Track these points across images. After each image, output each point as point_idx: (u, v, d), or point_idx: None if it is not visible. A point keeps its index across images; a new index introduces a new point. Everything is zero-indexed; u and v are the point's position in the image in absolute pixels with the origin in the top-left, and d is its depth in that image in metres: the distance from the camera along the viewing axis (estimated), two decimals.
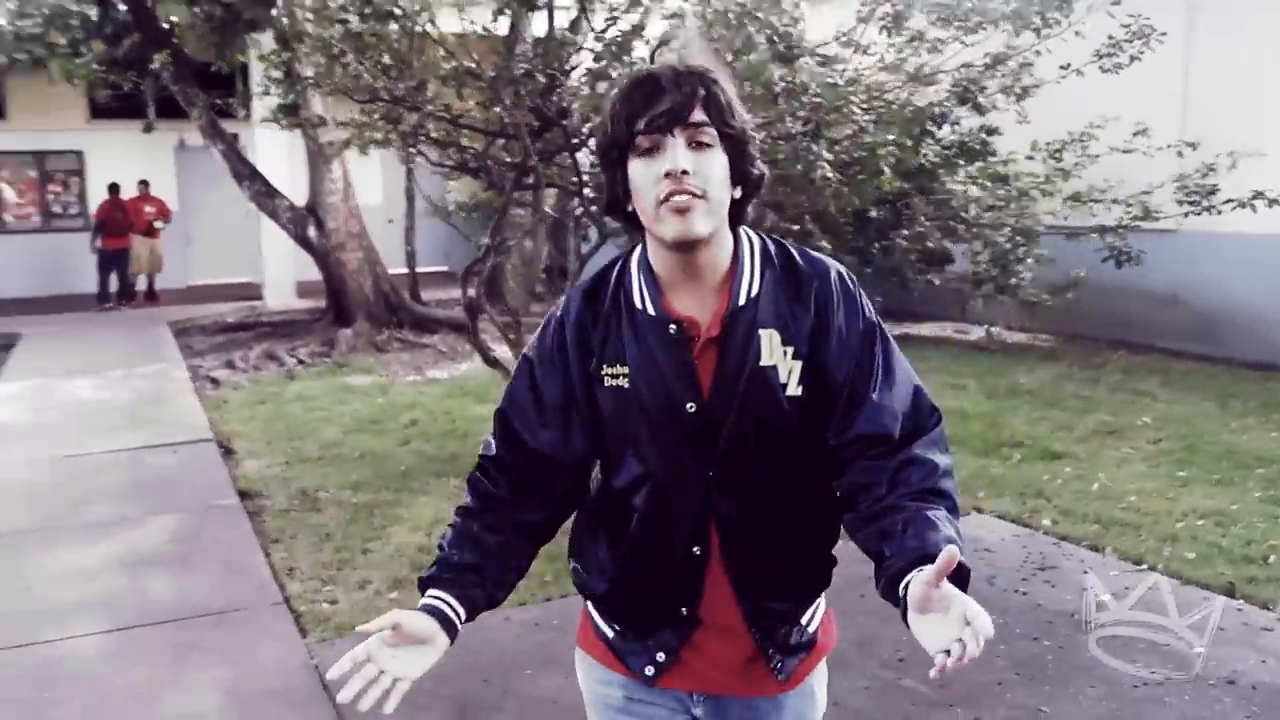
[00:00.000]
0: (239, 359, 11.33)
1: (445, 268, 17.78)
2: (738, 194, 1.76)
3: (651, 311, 1.78)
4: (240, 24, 10.40)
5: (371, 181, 16.00)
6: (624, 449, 1.83)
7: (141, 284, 17.25)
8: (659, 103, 1.68)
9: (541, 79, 5.59)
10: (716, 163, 1.70)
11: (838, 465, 1.77)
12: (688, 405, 1.77)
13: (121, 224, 16.64)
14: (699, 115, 1.69)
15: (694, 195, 1.67)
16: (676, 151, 1.67)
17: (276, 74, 6.90)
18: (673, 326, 1.77)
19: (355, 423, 8.32)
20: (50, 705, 3.99)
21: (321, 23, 5.96)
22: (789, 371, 1.75)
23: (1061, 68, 6.36)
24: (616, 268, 1.85)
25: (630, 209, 1.76)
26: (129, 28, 12.70)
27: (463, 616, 1.76)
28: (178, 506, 6.35)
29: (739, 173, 1.74)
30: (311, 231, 12.87)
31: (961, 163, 7.85)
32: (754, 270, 1.79)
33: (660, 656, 1.88)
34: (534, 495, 1.87)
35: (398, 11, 5.73)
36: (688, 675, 1.90)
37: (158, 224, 17.11)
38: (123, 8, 12.19)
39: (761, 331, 1.76)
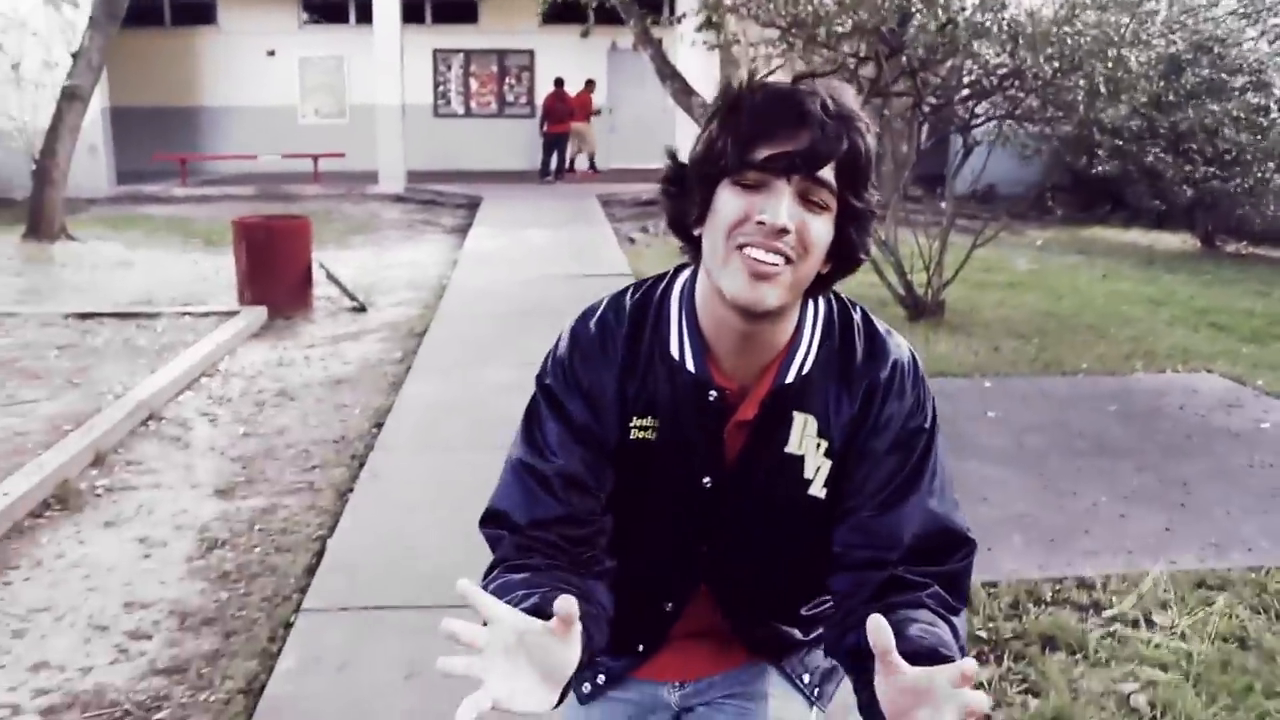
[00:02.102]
0: (651, 225, 14.05)
1: None
2: (827, 269, 1.43)
3: (691, 368, 1.48)
4: None
5: None
6: (624, 500, 1.54)
7: (582, 162, 20.93)
8: (793, 137, 1.32)
9: (893, 21, 7.50)
10: (823, 231, 1.37)
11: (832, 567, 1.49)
12: (704, 479, 1.52)
13: (561, 113, 19.93)
14: (828, 173, 1.34)
15: (783, 260, 1.34)
16: (783, 201, 1.33)
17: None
18: (713, 393, 1.48)
19: None
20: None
21: None
22: (816, 469, 1.49)
23: None
24: (653, 308, 1.54)
25: (698, 233, 1.42)
26: None
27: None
28: None
29: (844, 249, 1.41)
30: None
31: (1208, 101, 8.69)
32: (812, 344, 1.49)
33: (600, 679, 1.71)
34: (581, 555, 1.48)
35: None
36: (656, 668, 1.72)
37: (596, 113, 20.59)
38: None
39: (796, 415, 1.48)
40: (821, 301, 1.51)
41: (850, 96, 1.37)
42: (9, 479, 4.89)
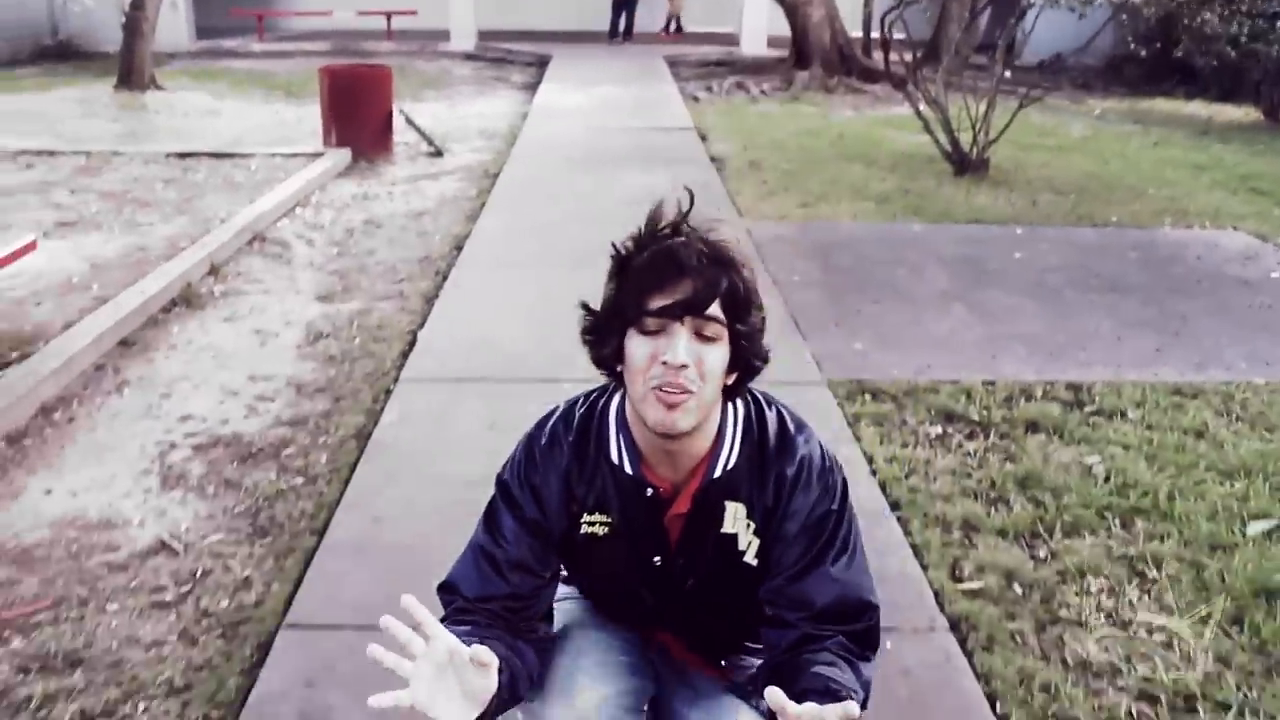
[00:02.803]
0: (715, 85, 14.45)
1: (901, 35, 19.85)
2: (732, 380, 1.68)
3: (629, 470, 1.74)
4: None
5: None
6: (584, 579, 1.95)
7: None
8: (677, 288, 1.57)
9: None
10: (718, 356, 1.61)
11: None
12: (654, 559, 1.79)
13: None
14: (714, 310, 1.58)
15: (686, 390, 1.59)
16: (679, 342, 1.57)
17: None
18: (649, 490, 1.74)
19: (797, 132, 11.09)
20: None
21: None
22: (749, 543, 1.74)
23: None
24: (595, 420, 1.79)
25: (620, 369, 1.67)
26: None
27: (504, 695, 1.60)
28: (669, 160, 9.45)
29: (741, 363, 1.67)
30: None
31: None
32: (734, 444, 1.74)
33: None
34: (518, 624, 1.77)
35: None
36: None
37: None
38: None
39: (728, 503, 1.74)
40: (740, 403, 1.76)
41: (729, 241, 1.62)
42: (142, 281, 5.62)
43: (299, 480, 3.75)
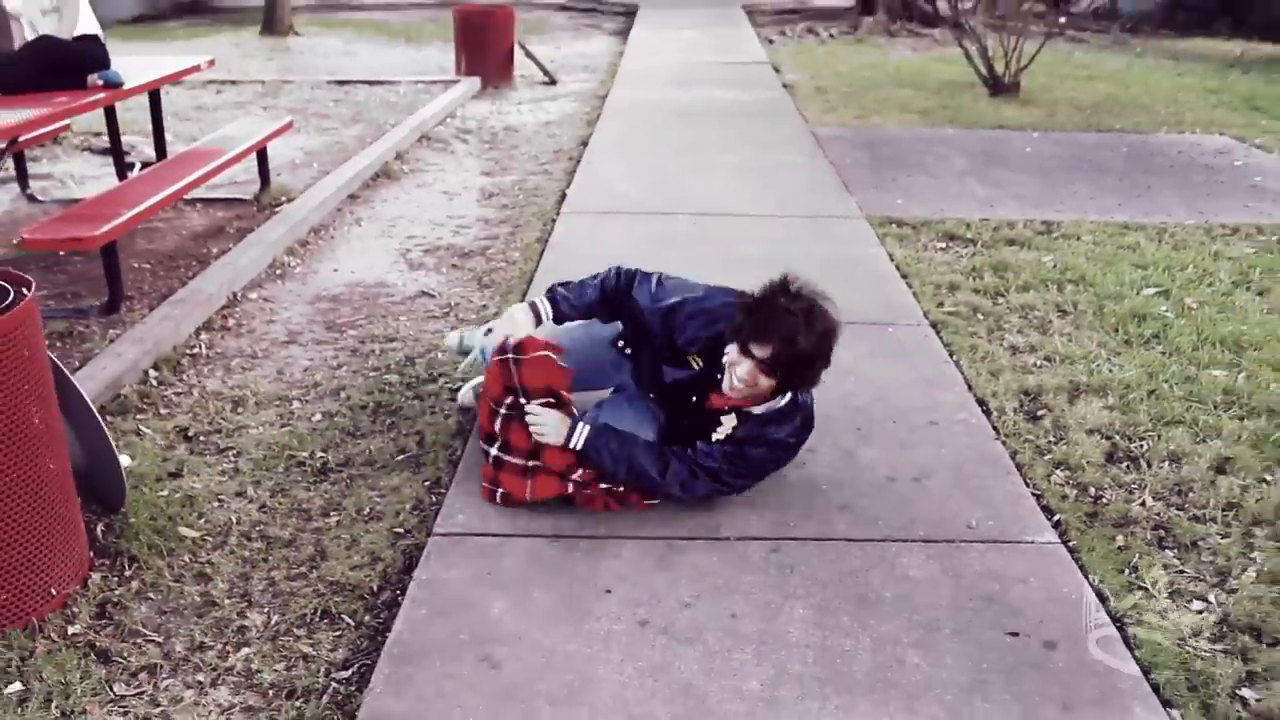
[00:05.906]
0: (788, 30, 16.11)
1: None
2: (779, 388, 3.00)
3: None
4: None
5: None
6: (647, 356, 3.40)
7: None
8: (763, 346, 2.86)
9: None
10: (765, 383, 2.94)
11: None
12: (692, 397, 3.23)
13: None
14: (770, 368, 2.88)
15: (743, 393, 2.98)
16: (744, 366, 2.92)
17: None
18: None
19: (858, 66, 12.73)
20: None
21: None
22: (727, 429, 3.13)
23: None
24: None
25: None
26: None
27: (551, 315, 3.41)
28: (748, 85, 11.16)
29: (789, 388, 3.01)
30: None
31: None
32: (768, 409, 3.09)
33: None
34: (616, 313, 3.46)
35: None
36: None
37: None
38: None
39: (735, 414, 3.12)
40: (787, 395, 3.06)
41: (814, 319, 2.89)
42: (352, 159, 7.50)
43: (503, 263, 5.60)
